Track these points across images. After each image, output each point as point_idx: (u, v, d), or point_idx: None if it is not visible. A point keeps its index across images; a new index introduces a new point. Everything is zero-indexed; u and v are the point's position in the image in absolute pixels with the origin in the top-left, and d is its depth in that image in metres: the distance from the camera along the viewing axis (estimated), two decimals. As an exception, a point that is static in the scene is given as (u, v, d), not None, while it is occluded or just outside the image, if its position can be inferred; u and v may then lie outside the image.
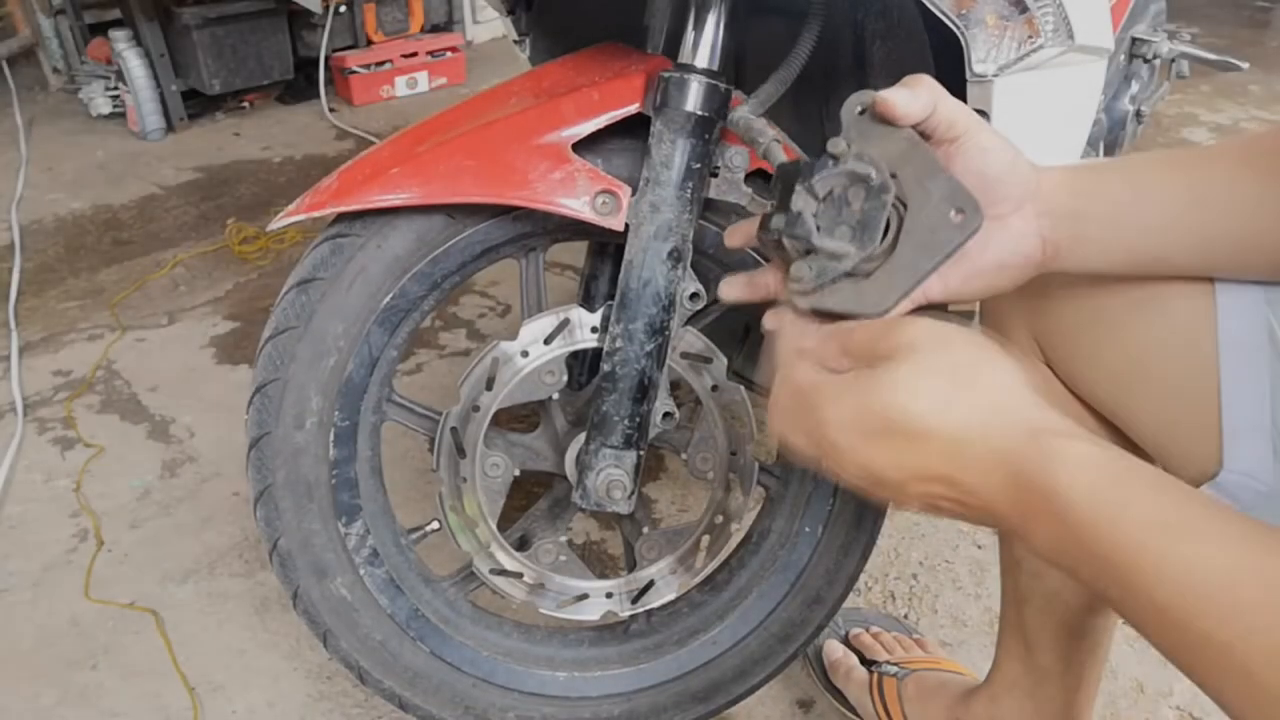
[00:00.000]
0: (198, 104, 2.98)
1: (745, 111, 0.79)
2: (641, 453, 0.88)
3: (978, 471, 0.44)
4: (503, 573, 0.95)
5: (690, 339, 0.90)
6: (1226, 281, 0.62)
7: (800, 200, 0.58)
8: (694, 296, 0.87)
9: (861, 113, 0.61)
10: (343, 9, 3.11)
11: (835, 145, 0.58)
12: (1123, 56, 1.41)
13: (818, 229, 0.58)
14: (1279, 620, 0.35)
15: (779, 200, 0.61)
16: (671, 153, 0.80)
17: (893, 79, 0.61)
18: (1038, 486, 0.42)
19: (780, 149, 0.73)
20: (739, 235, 0.71)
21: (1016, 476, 0.43)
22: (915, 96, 0.58)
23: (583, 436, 0.89)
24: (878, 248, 0.57)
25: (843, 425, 0.47)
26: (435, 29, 3.49)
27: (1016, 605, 0.83)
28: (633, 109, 0.83)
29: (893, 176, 0.58)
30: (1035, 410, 0.45)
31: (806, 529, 0.99)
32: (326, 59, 3.11)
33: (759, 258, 0.91)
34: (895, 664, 1.07)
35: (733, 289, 0.69)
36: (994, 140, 0.60)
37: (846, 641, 1.14)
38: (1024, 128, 0.83)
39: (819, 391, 0.49)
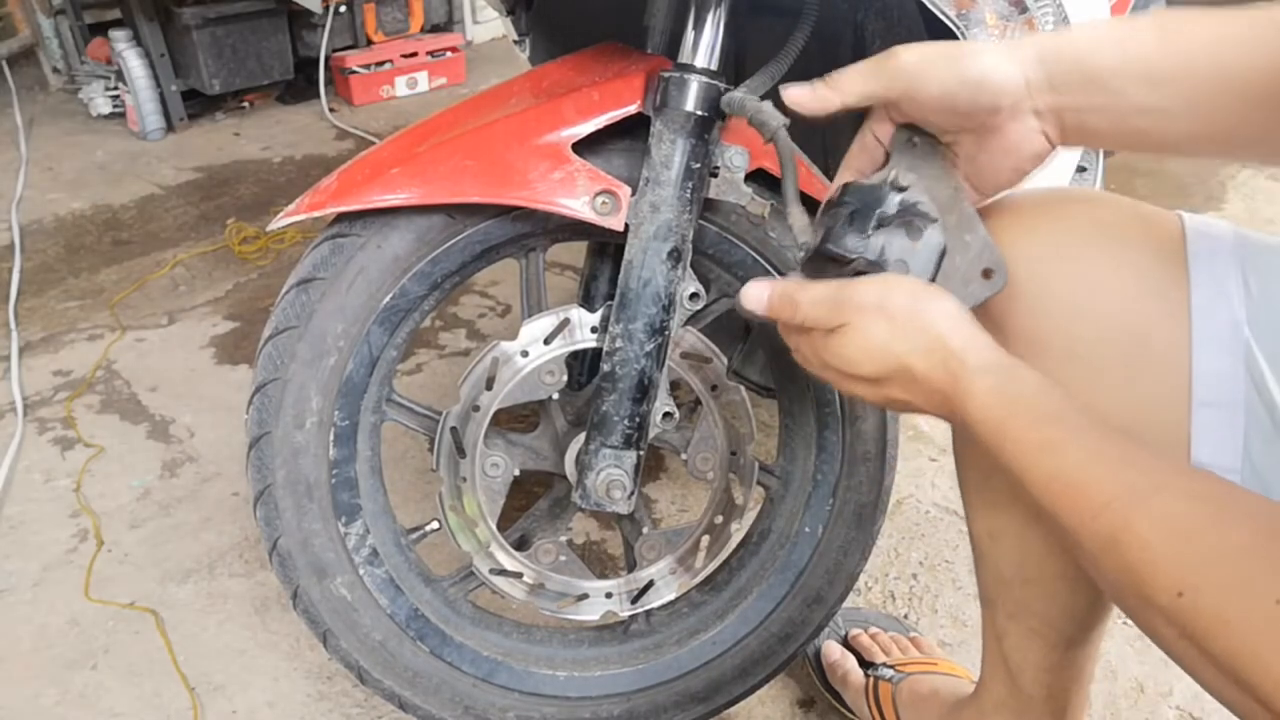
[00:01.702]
0: (198, 104, 2.98)
1: (742, 94, 0.77)
2: (641, 453, 0.88)
3: (923, 398, 0.60)
4: (503, 573, 0.95)
5: (690, 339, 0.90)
6: (1203, 306, 0.61)
7: (876, 231, 0.63)
8: (694, 296, 0.87)
9: (912, 144, 0.64)
10: (343, 9, 3.11)
11: (905, 177, 0.63)
12: (1123, 56, 1.42)
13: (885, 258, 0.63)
14: (1116, 519, 0.47)
15: (851, 219, 0.63)
16: (671, 153, 0.80)
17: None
18: (958, 411, 0.57)
19: (786, 135, 0.73)
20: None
21: (947, 401, 0.58)
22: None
23: (583, 436, 0.89)
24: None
25: (823, 368, 0.65)
26: (435, 29, 3.49)
27: (996, 639, 0.83)
28: (632, 109, 0.83)
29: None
30: (958, 342, 0.57)
31: (806, 529, 0.99)
32: (326, 59, 3.11)
33: (761, 259, 0.91)
34: (891, 667, 1.07)
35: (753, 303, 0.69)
36: (969, 61, 0.60)
37: (845, 642, 1.14)
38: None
39: (808, 344, 0.65)
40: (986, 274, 0.62)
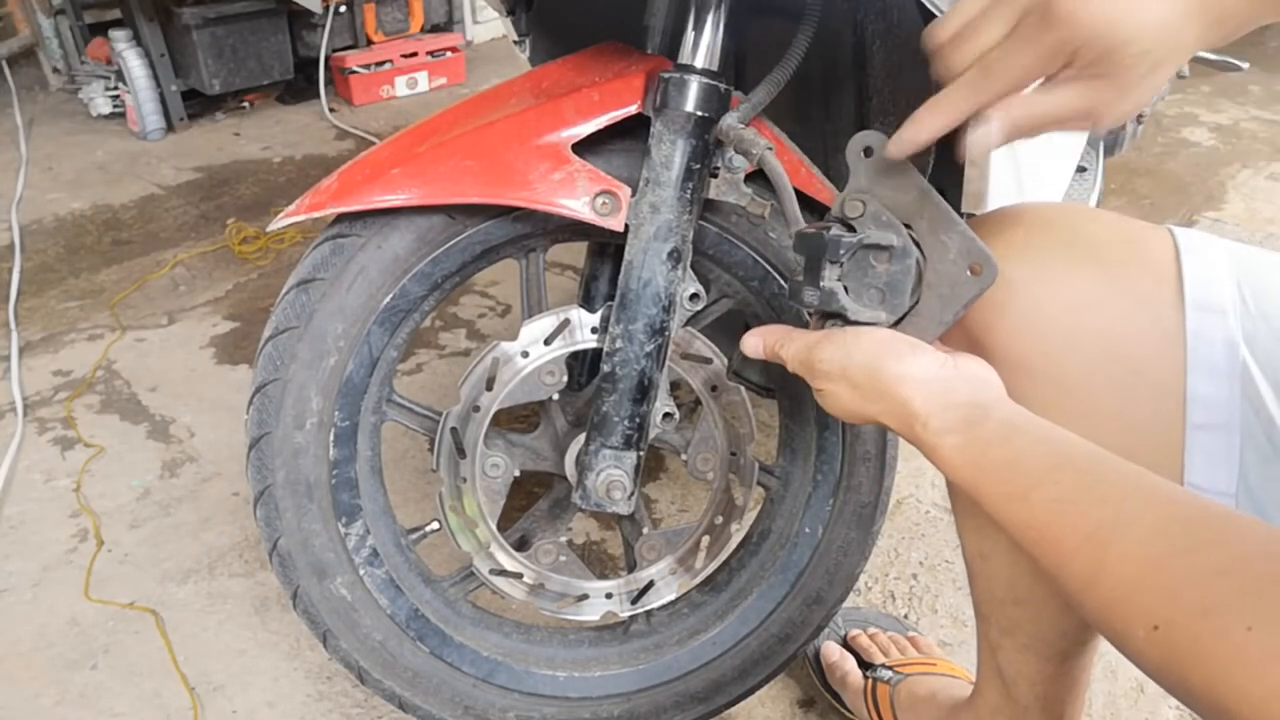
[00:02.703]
0: (198, 104, 2.98)
1: (733, 120, 0.78)
2: (641, 453, 0.88)
3: (898, 432, 0.61)
4: (503, 573, 0.95)
5: (690, 339, 0.90)
6: (1198, 328, 0.60)
7: (831, 278, 0.62)
8: (694, 297, 0.87)
9: (867, 154, 0.62)
10: (343, 9, 3.11)
11: (852, 207, 0.61)
12: (1123, 57, 1.41)
13: (850, 297, 0.62)
14: (1089, 562, 0.47)
15: (806, 270, 0.64)
16: (671, 153, 0.80)
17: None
18: (934, 462, 0.59)
19: (774, 157, 0.73)
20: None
21: (919, 447, 0.59)
22: (919, 129, 0.57)
23: (583, 437, 0.89)
24: (907, 309, 0.62)
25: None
26: (435, 29, 3.49)
27: (991, 651, 0.83)
28: (632, 109, 0.83)
29: (907, 226, 0.61)
30: (920, 405, 0.58)
31: (806, 529, 0.99)
32: (326, 59, 3.11)
33: (762, 259, 0.91)
34: (890, 668, 1.07)
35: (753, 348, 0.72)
36: None
37: (845, 643, 1.14)
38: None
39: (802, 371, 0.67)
40: (974, 270, 0.60)
